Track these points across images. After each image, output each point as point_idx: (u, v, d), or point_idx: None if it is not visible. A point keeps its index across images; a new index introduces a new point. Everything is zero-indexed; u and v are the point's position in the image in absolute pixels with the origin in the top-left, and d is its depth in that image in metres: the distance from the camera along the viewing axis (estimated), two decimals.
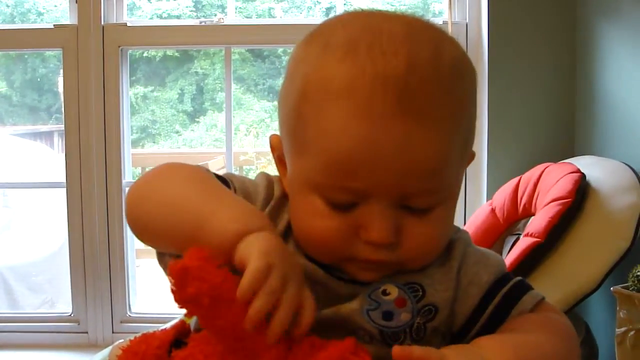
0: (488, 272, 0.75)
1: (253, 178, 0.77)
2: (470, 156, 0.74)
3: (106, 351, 1.45)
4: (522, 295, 0.74)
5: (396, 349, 0.62)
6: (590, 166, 1.85)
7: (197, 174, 0.71)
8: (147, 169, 4.28)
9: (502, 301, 0.73)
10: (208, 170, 0.74)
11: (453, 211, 0.72)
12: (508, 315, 0.73)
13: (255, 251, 0.60)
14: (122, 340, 0.78)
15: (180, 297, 0.58)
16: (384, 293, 0.70)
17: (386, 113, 0.62)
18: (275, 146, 0.74)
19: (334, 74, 0.64)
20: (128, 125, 2.28)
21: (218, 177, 0.73)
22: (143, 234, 0.71)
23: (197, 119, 6.48)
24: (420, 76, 0.63)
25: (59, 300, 3.25)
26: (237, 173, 0.80)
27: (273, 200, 0.74)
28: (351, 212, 0.66)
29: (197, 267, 0.58)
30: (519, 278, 0.77)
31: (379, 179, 0.64)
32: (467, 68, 0.69)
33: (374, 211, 0.65)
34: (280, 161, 0.74)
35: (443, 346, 0.69)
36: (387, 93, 0.62)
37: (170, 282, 0.59)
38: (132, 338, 0.69)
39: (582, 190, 1.75)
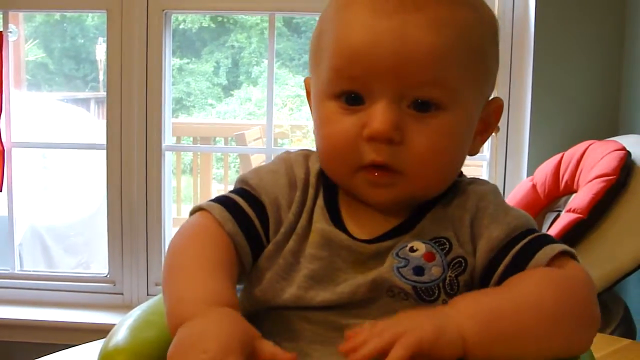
0: (500, 228, 0.72)
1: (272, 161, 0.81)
2: (495, 103, 0.78)
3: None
4: (537, 251, 0.70)
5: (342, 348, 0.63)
6: (635, 145, 1.82)
7: (199, 247, 0.73)
8: (182, 139, 4.28)
9: (514, 260, 0.70)
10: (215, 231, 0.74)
11: (462, 127, 0.73)
12: None
13: (172, 342, 0.62)
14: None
15: None
16: (411, 250, 0.71)
17: (388, 8, 0.69)
18: (307, 86, 0.81)
19: None
20: (170, 89, 2.28)
21: (235, 192, 0.77)
22: None
23: (231, 92, 6.51)
24: None
25: (94, 262, 3.31)
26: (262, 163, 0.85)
27: (298, 181, 0.77)
28: (359, 112, 0.71)
29: None
30: (536, 234, 0.73)
31: (378, 64, 0.69)
32: (484, 14, 0.75)
33: (377, 107, 0.70)
34: (309, 97, 0.81)
35: None
36: None
37: None
38: None
39: (627, 168, 1.72)
